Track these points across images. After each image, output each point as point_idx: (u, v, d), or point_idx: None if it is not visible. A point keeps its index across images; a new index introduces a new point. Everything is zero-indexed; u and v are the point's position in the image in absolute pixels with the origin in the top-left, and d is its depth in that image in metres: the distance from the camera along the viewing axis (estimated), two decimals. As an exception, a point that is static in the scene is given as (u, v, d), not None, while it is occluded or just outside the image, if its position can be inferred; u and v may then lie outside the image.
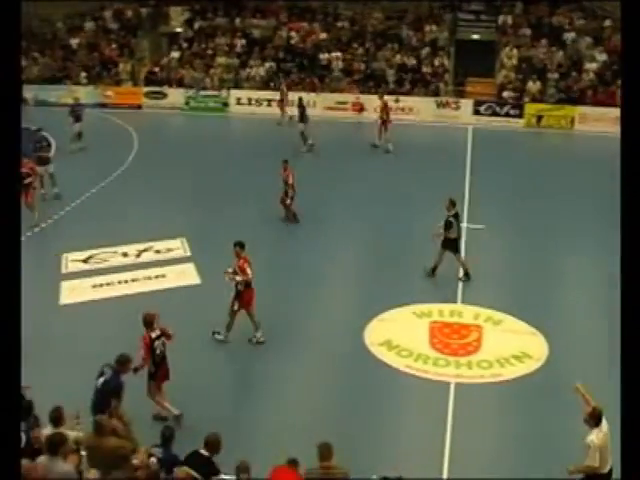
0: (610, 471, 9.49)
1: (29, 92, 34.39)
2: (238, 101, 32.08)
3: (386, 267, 18.01)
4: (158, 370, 12.19)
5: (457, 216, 17.37)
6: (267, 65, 33.44)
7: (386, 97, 27.98)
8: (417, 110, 31.01)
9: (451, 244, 17.26)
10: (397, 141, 27.60)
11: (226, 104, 32.39)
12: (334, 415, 12.69)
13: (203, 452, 9.01)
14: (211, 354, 14.62)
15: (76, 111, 27.01)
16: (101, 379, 10.70)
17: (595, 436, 9.38)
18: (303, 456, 9.02)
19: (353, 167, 25.02)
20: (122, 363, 10.87)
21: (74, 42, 36.98)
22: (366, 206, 21.62)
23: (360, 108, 30.85)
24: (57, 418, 9.36)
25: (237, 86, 32.86)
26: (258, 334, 14.85)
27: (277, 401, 12.94)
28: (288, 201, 20.58)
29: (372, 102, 30.48)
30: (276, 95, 31.08)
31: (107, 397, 10.44)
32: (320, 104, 31.08)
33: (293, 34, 34.83)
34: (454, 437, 12.03)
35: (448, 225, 17.07)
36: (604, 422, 9.50)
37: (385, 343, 14.86)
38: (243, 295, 14.72)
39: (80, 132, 26.65)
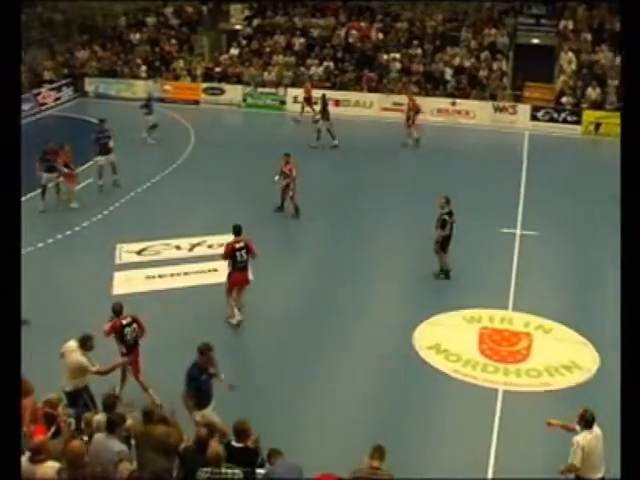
0: None
1: (90, 85, 35.12)
2: (295, 99, 32.15)
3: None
4: (129, 354, 12.75)
5: (451, 214, 17.17)
6: (325, 64, 33.48)
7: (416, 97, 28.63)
8: (474, 114, 30.79)
9: (444, 242, 17.20)
10: (452, 144, 27.54)
11: (283, 102, 32.52)
12: (380, 416, 12.70)
13: (236, 444, 9.01)
14: (257, 352, 14.73)
15: (148, 105, 27.47)
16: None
17: (582, 437, 9.42)
18: (349, 456, 9.05)
19: (405, 168, 24.97)
20: (201, 352, 11.07)
21: (135, 37, 37.61)
22: (419, 207, 21.48)
23: (417, 110, 30.68)
24: (111, 405, 9.57)
25: (294, 84, 32.95)
26: (234, 319, 15.44)
27: (325, 401, 13.00)
28: (291, 193, 20.73)
29: (429, 104, 30.41)
30: (334, 94, 31.19)
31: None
32: (377, 105, 31.03)
33: (352, 34, 34.83)
34: (499, 444, 11.96)
35: (442, 223, 17.04)
36: (596, 428, 9.48)
37: (434, 347, 14.82)
38: (229, 276, 15.45)
39: (155, 124, 27.21)
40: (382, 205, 21.37)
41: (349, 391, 13.32)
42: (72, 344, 11.61)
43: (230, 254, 15.34)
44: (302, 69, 33.55)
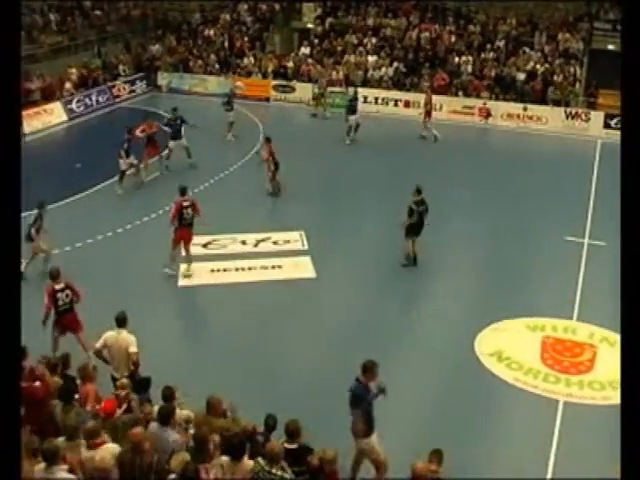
0: None
1: (163, 79, 35.71)
2: (365, 99, 32.18)
3: (504, 275, 17.80)
4: (61, 319, 13.49)
5: (419, 203, 17.77)
6: (395, 65, 33.43)
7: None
8: (545, 119, 30.37)
9: (412, 229, 17.81)
10: (522, 149, 27.28)
11: (352, 101, 32.51)
12: (437, 421, 12.68)
13: (288, 444, 8.90)
14: (317, 350, 14.81)
15: (229, 102, 27.86)
16: (349, 393, 10.31)
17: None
18: (406, 457, 9.08)
19: (473, 172, 24.81)
20: (363, 371, 10.28)
21: (209, 33, 38.11)
22: (486, 212, 21.37)
23: (487, 114, 30.48)
24: (169, 396, 9.73)
25: (364, 84, 32.97)
26: (168, 269, 17.20)
27: (383, 403, 12.98)
28: (269, 174, 22.04)
29: (499, 108, 30.15)
30: (404, 95, 31.20)
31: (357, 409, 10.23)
32: (446, 107, 30.89)
33: (424, 35, 34.70)
34: (558, 455, 11.81)
35: (409, 211, 17.71)
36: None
37: (495, 353, 14.72)
38: (176, 231, 17.13)
39: (232, 121, 27.58)
40: (446, 207, 21.29)
41: (408, 393, 13.26)
42: (114, 332, 11.69)
43: (178, 212, 16.98)
44: (375, 69, 33.55)
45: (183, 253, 17.59)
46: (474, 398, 13.38)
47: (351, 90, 31.78)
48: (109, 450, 8.02)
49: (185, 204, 17.16)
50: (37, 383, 10.33)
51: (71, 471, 7.80)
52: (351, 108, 28.19)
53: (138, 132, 23.27)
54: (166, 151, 24.43)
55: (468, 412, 12.98)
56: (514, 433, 12.65)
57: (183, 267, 17.61)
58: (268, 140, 22.58)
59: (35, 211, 17.21)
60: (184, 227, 17.18)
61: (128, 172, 22.42)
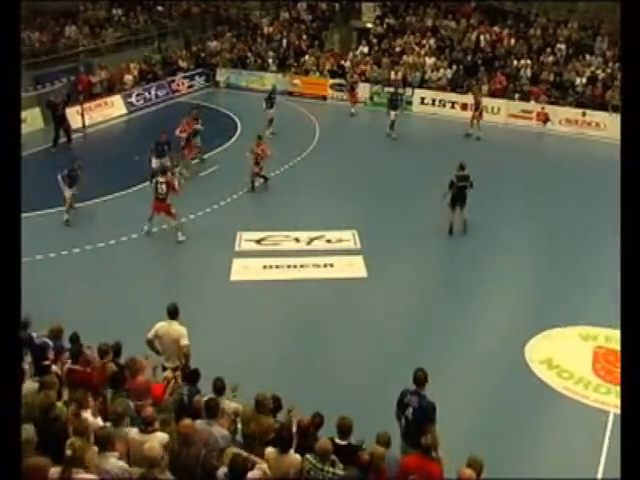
0: None
1: (221, 75, 36.02)
2: (422, 101, 32.06)
3: (558, 281, 17.56)
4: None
5: (462, 178, 19.47)
6: (454, 67, 33.23)
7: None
8: (604, 125, 29.85)
9: (452, 201, 19.55)
10: (580, 156, 26.91)
11: (410, 103, 32.36)
12: (484, 426, 12.58)
13: (339, 441, 8.86)
14: (366, 350, 14.77)
15: (271, 99, 28.03)
16: (409, 409, 10.07)
17: None
18: (450, 463, 9.02)
19: (529, 175, 24.52)
20: (420, 383, 10.10)
21: (268, 30, 38.34)
22: (542, 216, 21.07)
23: (545, 119, 30.11)
24: (221, 387, 9.82)
25: (422, 86, 32.84)
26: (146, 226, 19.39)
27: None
28: (257, 169, 22.67)
29: (557, 113, 29.76)
30: (461, 98, 31.03)
31: (421, 423, 9.82)
32: (504, 111, 30.59)
33: (483, 37, 34.43)
34: (607, 467, 11.55)
35: (450, 184, 19.40)
36: None
37: (546, 361, 14.52)
38: (153, 202, 19.21)
39: (272, 118, 27.54)
40: (500, 209, 21.11)
41: (455, 397, 13.15)
42: (165, 323, 11.74)
43: (155, 187, 19.13)
44: (433, 70, 33.38)
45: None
46: (522, 405, 13.22)
47: (409, 90, 31.80)
48: (158, 439, 8.09)
49: (161, 180, 19.11)
50: (89, 369, 10.53)
51: (121, 458, 7.90)
52: (393, 103, 28.44)
53: (178, 132, 23.29)
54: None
55: (516, 419, 12.84)
56: (563, 443, 12.46)
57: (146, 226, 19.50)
58: (260, 138, 23.26)
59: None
60: (157, 200, 19.15)
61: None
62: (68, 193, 20.36)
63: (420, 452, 8.88)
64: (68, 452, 7.19)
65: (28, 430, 7.49)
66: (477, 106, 28.42)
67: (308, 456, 8.34)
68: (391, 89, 32.25)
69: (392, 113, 28.13)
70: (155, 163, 22.21)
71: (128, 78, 32.87)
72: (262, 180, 23.03)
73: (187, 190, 22.14)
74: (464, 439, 11.65)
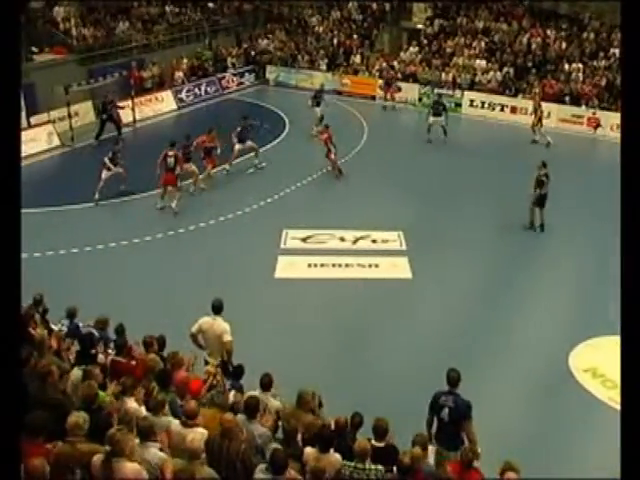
0: None
1: (271, 73, 36.16)
2: (471, 103, 31.83)
3: (607, 289, 17.18)
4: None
5: (547, 176, 19.51)
6: (505, 69, 32.93)
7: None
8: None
9: (541, 200, 19.54)
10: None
11: (459, 105, 32.17)
12: (526, 434, 12.42)
13: (376, 443, 8.83)
14: (408, 351, 14.71)
15: (317, 97, 28.08)
16: (445, 410, 9.98)
17: None
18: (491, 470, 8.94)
19: (578, 182, 24.18)
20: (454, 383, 10.06)
21: (318, 29, 38.39)
22: (592, 223, 20.72)
23: (596, 124, 29.67)
24: (267, 384, 9.83)
25: (472, 88, 32.60)
26: (168, 205, 20.81)
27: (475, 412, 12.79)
28: (332, 156, 23.52)
29: (610, 119, 29.32)
30: (510, 101, 30.76)
31: (457, 422, 9.99)
32: (555, 115, 30.22)
33: (535, 40, 34.04)
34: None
35: (540, 183, 19.42)
36: None
37: (590, 370, 14.30)
38: (161, 176, 20.84)
39: (322, 116, 27.53)
40: (547, 215, 20.88)
41: (497, 403, 13.06)
42: (209, 318, 11.80)
43: (163, 159, 20.60)
44: (483, 73, 33.11)
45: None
46: (565, 413, 13.04)
47: (458, 92, 31.63)
48: (200, 433, 8.14)
49: (170, 154, 20.63)
50: (133, 362, 10.64)
51: (161, 449, 7.96)
52: (435, 109, 27.74)
53: (197, 142, 22.55)
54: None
55: (558, 427, 12.67)
56: (606, 453, 12.24)
57: (173, 202, 20.71)
58: (327, 127, 24.01)
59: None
60: (167, 171, 20.67)
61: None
62: (106, 175, 21.34)
63: (461, 462, 8.83)
64: (108, 444, 7.27)
65: (79, 416, 7.59)
66: (535, 111, 27.95)
67: (346, 462, 8.32)
68: (442, 91, 32.13)
69: (431, 119, 27.53)
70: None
71: (179, 74, 33.16)
72: (336, 171, 23.81)
73: (235, 186, 22.30)
74: (504, 445, 11.53)
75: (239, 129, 23.79)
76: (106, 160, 21.32)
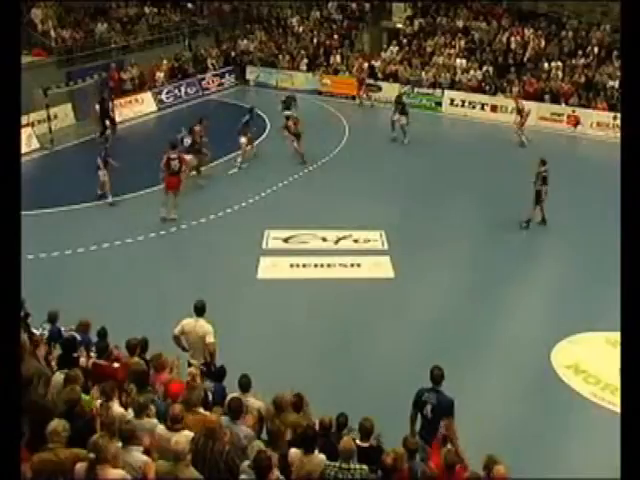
0: None
1: (251, 74, 36.10)
2: (452, 102, 31.91)
3: (589, 287, 17.30)
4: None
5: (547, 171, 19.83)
6: (484, 68, 33.03)
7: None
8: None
9: (540, 196, 19.87)
10: (613, 161, 26.56)
11: (439, 104, 32.24)
12: (508, 430, 12.49)
13: (361, 443, 8.82)
14: (391, 350, 14.75)
15: (287, 102, 28.09)
16: (428, 407, 10.03)
17: None
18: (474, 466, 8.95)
19: (560, 181, 24.24)
20: (437, 381, 10.10)
21: (298, 29, 38.39)
22: (576, 222, 20.74)
23: (576, 122, 29.81)
24: (245, 385, 9.76)
25: (452, 87, 32.67)
26: (169, 215, 20.08)
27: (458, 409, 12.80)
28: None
29: (589, 117, 29.47)
30: (491, 99, 30.84)
31: (440, 419, 10.06)
32: (535, 114, 30.26)
33: (514, 39, 34.16)
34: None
35: (544, 179, 19.75)
36: None
37: (572, 366, 14.37)
38: (165, 179, 20.20)
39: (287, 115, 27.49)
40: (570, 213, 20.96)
41: (479, 399, 13.09)
42: (192, 320, 11.77)
43: (166, 163, 19.98)
44: (462, 72, 33.19)
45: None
46: (548, 410, 13.12)
47: (438, 91, 31.75)
48: (185, 436, 8.12)
49: (172, 156, 20.05)
50: (116, 364, 10.58)
51: (146, 452, 7.92)
52: (399, 107, 27.93)
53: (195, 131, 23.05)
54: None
55: (540, 423, 12.75)
56: (588, 448, 12.34)
57: (170, 210, 20.25)
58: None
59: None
60: (170, 175, 20.04)
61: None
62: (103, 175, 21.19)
63: (445, 464, 8.82)
64: (91, 451, 7.23)
65: (59, 423, 7.54)
66: (520, 112, 27.77)
67: (330, 462, 8.29)
68: (422, 89, 32.23)
69: (396, 116, 27.65)
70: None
71: (159, 75, 33.06)
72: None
73: (216, 188, 22.24)
74: (486, 441, 11.54)
75: (242, 123, 24.31)
76: (99, 161, 21.21)
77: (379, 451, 8.91)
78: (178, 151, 20.74)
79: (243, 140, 24.13)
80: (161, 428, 8.41)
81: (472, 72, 32.95)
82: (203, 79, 34.94)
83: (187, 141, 22.93)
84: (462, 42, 34.82)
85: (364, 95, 32.74)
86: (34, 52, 29.99)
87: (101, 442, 7.30)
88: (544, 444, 12.24)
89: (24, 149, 25.87)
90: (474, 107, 31.66)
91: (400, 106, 27.87)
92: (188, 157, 21.95)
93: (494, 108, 31.10)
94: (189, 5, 38.48)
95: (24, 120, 26.68)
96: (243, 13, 40.71)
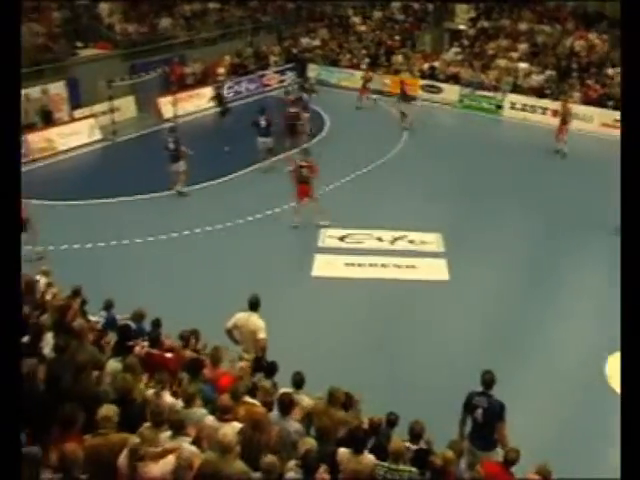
0: None
1: (312, 71, 36.16)
2: (512, 105, 31.53)
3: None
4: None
5: None
6: (547, 73, 32.56)
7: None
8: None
9: None
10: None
11: (500, 107, 31.89)
12: (557, 441, 12.23)
13: (411, 445, 8.83)
14: (442, 354, 14.64)
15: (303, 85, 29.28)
16: (479, 410, 10.04)
17: None
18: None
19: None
20: (488, 385, 10.10)
21: (360, 28, 38.34)
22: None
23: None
24: (299, 382, 9.82)
25: (514, 90, 32.28)
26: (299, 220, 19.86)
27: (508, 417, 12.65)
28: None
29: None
30: (552, 104, 30.38)
31: (491, 423, 10.05)
32: (597, 120, 29.79)
33: (578, 43, 33.62)
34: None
35: None
36: None
37: (626, 378, 14.10)
38: (296, 187, 19.91)
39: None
40: (585, 225, 20.60)
41: (530, 405, 12.92)
42: (245, 314, 11.85)
43: (296, 170, 19.74)
44: (524, 75, 32.77)
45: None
46: (598, 422, 12.79)
47: (499, 95, 31.42)
48: (234, 428, 8.16)
49: (303, 164, 19.80)
50: (168, 354, 10.70)
51: (194, 443, 7.98)
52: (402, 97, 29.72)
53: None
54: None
55: (590, 435, 12.48)
56: None
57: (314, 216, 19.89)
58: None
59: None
60: (301, 183, 19.76)
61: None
62: (172, 168, 21.54)
63: (504, 461, 8.86)
64: (136, 442, 7.33)
65: (110, 409, 7.66)
66: (564, 119, 26.92)
67: (380, 462, 8.29)
68: (483, 92, 31.94)
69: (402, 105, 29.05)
70: (260, 143, 23.88)
71: (220, 71, 33.31)
72: None
73: (275, 183, 22.35)
74: (535, 448, 11.37)
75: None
76: (184, 149, 21.69)
77: (428, 454, 8.83)
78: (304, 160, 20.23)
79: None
80: (210, 419, 8.48)
81: (534, 76, 32.51)
82: (264, 76, 35.11)
83: (263, 123, 23.91)
84: (525, 45, 34.40)
85: (365, 97, 32.34)
86: (99, 45, 30.50)
87: (147, 433, 7.42)
88: (592, 453, 12.06)
89: (86, 139, 26.41)
90: (535, 111, 31.21)
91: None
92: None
93: (555, 113, 30.52)
94: (253, 2, 38.70)
95: (87, 111, 27.24)
96: (306, 11, 40.81)
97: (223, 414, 8.39)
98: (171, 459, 7.26)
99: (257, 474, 7.44)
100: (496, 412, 9.94)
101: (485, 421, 10.00)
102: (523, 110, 31.50)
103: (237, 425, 8.26)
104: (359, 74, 34.06)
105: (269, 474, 7.29)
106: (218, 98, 29.22)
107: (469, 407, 10.12)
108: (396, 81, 33.36)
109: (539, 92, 31.78)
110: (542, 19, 35.80)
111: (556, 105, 30.23)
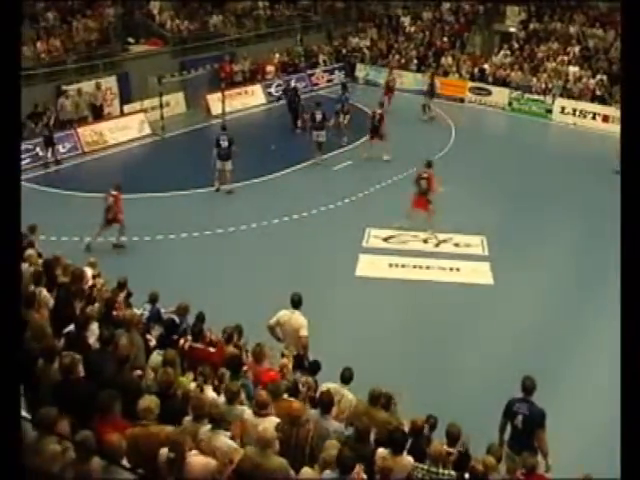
0: None
1: (360, 71, 36.16)
2: (562, 110, 31.19)
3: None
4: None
5: None
6: (598, 77, 32.12)
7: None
8: None
9: None
10: None
11: (549, 111, 31.55)
12: (600, 450, 12.04)
13: (448, 449, 8.79)
14: (485, 357, 14.56)
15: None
16: (519, 417, 9.96)
17: None
18: None
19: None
20: (529, 391, 10.07)
21: (410, 29, 38.23)
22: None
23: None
24: (348, 378, 9.90)
25: (564, 94, 31.91)
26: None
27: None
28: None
29: None
30: (603, 109, 29.98)
31: (531, 430, 9.99)
32: None
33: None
34: None
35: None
36: None
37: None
38: (414, 197, 19.30)
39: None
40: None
41: (572, 414, 12.75)
42: (288, 312, 11.89)
43: (416, 180, 19.30)
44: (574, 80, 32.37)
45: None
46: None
47: (549, 99, 31.09)
48: (272, 422, 8.20)
49: (423, 175, 19.32)
50: (212, 349, 10.79)
51: (232, 438, 8.03)
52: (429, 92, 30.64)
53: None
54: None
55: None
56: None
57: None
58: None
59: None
60: (418, 195, 19.23)
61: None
62: (220, 166, 21.63)
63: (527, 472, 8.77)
64: (177, 434, 7.39)
65: (151, 400, 7.74)
66: None
67: (419, 464, 8.30)
68: (532, 96, 31.64)
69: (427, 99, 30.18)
70: (315, 136, 24.27)
71: (269, 69, 33.47)
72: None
73: (322, 183, 22.39)
74: (576, 457, 11.26)
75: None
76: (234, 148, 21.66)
77: (466, 458, 8.82)
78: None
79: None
80: (248, 413, 8.52)
81: (585, 80, 32.09)
82: (313, 74, 35.20)
83: (319, 117, 24.36)
84: (576, 49, 33.98)
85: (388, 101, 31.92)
86: (151, 42, 30.87)
87: (190, 427, 7.48)
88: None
89: (136, 134, 26.73)
90: (585, 116, 30.83)
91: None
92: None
93: (606, 118, 30.18)
94: (303, 1, 38.79)
95: (138, 106, 27.57)
96: (356, 11, 40.80)
97: (260, 409, 8.44)
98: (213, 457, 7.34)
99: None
100: (537, 420, 9.88)
101: (525, 428, 9.94)
102: (573, 115, 31.14)
103: (275, 420, 8.30)
104: (409, 75, 34.04)
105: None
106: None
107: (509, 413, 10.06)
108: (444, 83, 33.26)
109: (590, 97, 31.38)
110: (594, 22, 35.30)
111: (607, 110, 29.89)
